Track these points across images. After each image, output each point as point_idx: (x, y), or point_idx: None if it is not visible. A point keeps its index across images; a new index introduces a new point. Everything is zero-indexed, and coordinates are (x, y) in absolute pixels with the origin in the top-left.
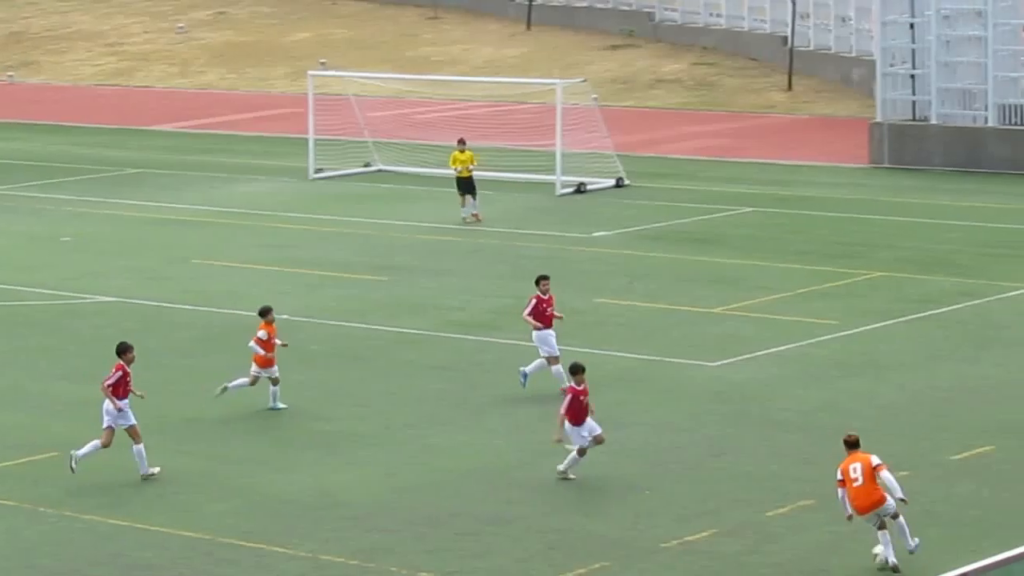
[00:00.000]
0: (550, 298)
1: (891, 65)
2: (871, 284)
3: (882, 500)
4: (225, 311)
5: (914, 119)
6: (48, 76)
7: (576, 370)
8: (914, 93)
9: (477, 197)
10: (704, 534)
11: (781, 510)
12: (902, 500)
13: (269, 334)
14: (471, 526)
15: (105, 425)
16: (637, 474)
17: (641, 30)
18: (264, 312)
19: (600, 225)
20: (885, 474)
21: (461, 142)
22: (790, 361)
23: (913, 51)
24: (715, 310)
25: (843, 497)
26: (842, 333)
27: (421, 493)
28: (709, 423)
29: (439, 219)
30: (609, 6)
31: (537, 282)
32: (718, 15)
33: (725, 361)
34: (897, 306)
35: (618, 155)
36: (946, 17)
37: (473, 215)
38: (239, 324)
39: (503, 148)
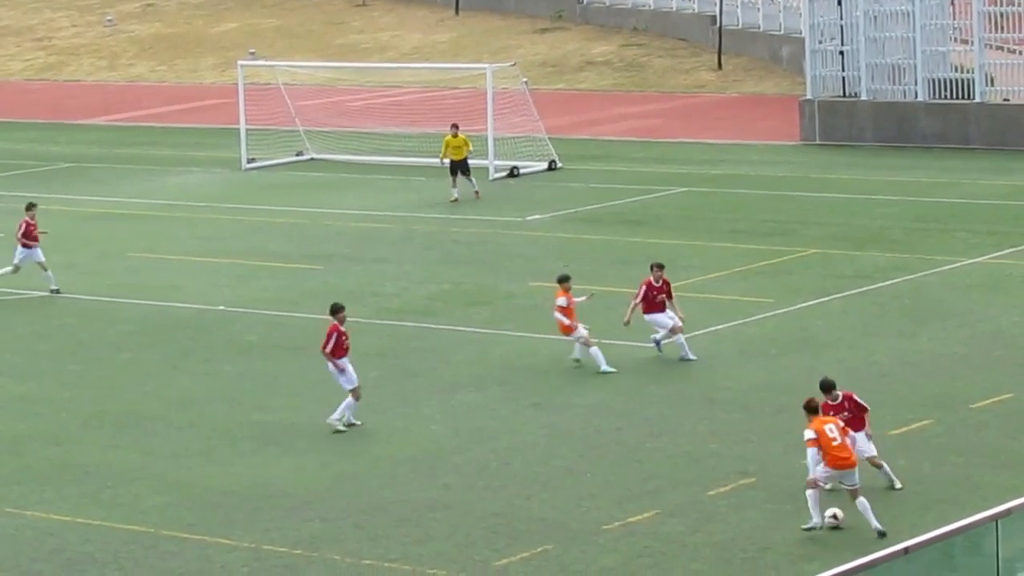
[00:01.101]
0: (662, 285)
1: (820, 42)
2: (805, 261)
3: (852, 459)
4: (162, 304)
5: (844, 95)
6: None
7: None
8: (843, 69)
9: (472, 177)
10: (646, 515)
11: (722, 489)
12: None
13: (569, 301)
14: (411, 513)
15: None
16: (576, 456)
17: (570, 13)
18: (563, 279)
19: (534, 209)
20: (856, 435)
21: (454, 127)
22: (727, 340)
23: (841, 27)
24: None
25: (814, 457)
26: (778, 311)
27: (359, 481)
28: (647, 404)
29: (372, 206)
30: None
31: (651, 268)
32: None
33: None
34: (832, 283)
35: (550, 138)
36: None
37: (475, 192)
38: (176, 316)
39: (434, 133)
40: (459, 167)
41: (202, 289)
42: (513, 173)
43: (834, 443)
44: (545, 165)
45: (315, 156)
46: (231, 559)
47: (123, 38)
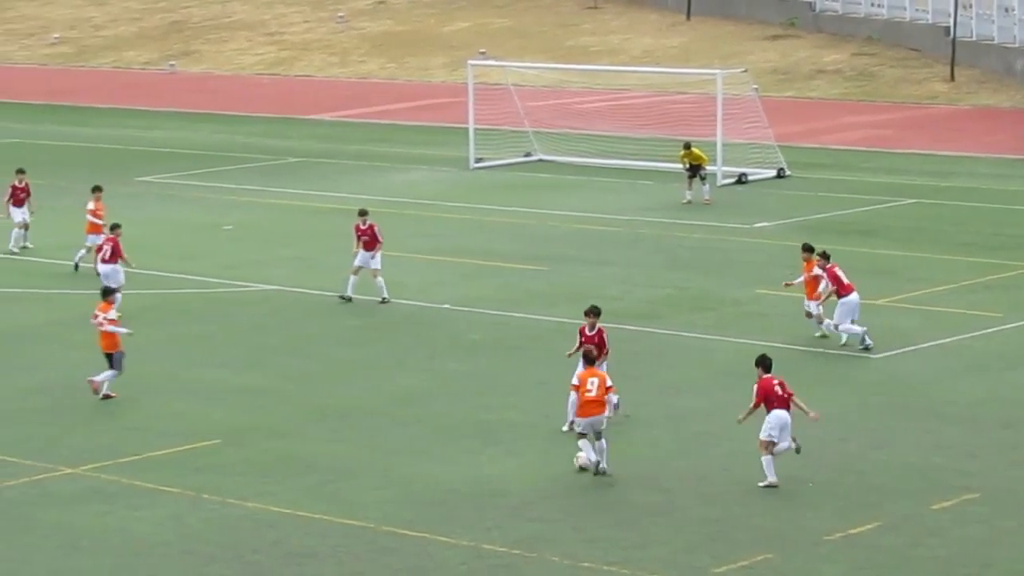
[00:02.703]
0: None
1: None
2: None
3: (602, 412)
4: (378, 301)
5: None
6: (209, 65)
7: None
8: None
9: (707, 184)
10: (867, 527)
11: (945, 503)
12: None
13: None
14: (630, 516)
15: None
16: (798, 465)
17: (802, 20)
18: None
19: (761, 215)
20: (613, 396)
21: (687, 147)
22: (953, 353)
23: None
24: (877, 302)
25: (573, 402)
26: (1006, 326)
27: (579, 482)
28: (871, 415)
29: (598, 208)
30: None
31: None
32: (879, 5)
33: (888, 353)
34: None
35: (779, 146)
36: None
37: (706, 200)
38: (400, 313)
39: (662, 138)
40: (697, 170)
41: (426, 286)
42: (741, 180)
43: (588, 394)
44: (773, 172)
45: (542, 157)
46: (449, 557)
47: (354, 35)
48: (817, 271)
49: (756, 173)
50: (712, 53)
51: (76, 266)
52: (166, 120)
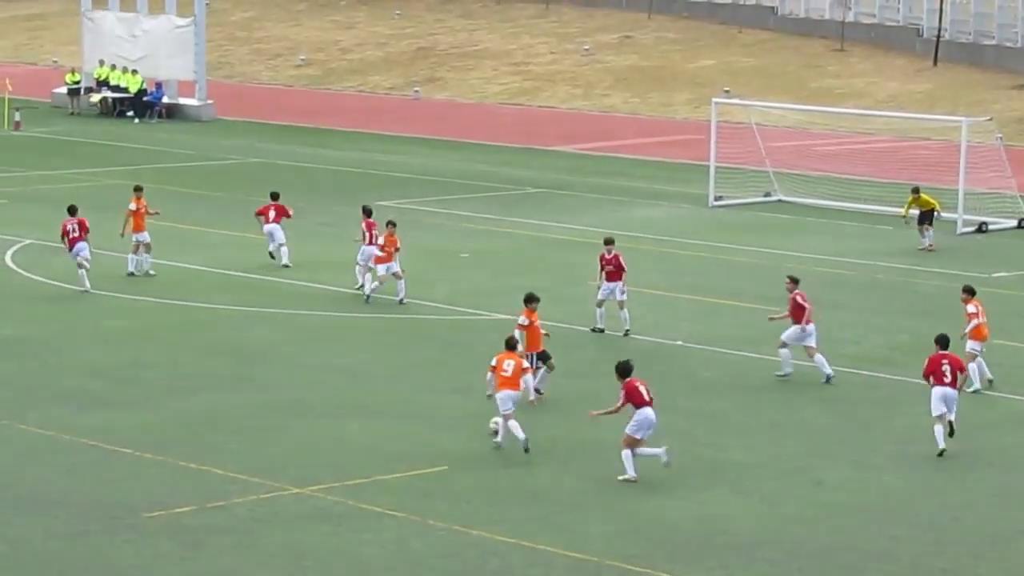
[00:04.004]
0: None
1: None
2: None
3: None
4: (622, 335)
5: None
6: (453, 93)
7: None
8: None
9: (931, 230)
10: None
11: None
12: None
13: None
14: (857, 562)
15: None
16: None
17: None
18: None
19: (1001, 265)
20: (528, 378)
21: (915, 191)
22: None
23: None
24: None
25: (491, 380)
26: None
27: (807, 526)
28: None
29: (836, 251)
30: (1019, 45)
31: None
32: None
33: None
34: None
35: (1021, 196)
36: None
37: (928, 246)
38: (634, 348)
39: (903, 184)
40: (927, 217)
41: (661, 322)
42: (981, 228)
43: (503, 374)
44: (1015, 223)
45: (782, 198)
46: None
47: (599, 68)
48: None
49: (996, 223)
50: (957, 100)
51: (131, 272)
52: (408, 146)
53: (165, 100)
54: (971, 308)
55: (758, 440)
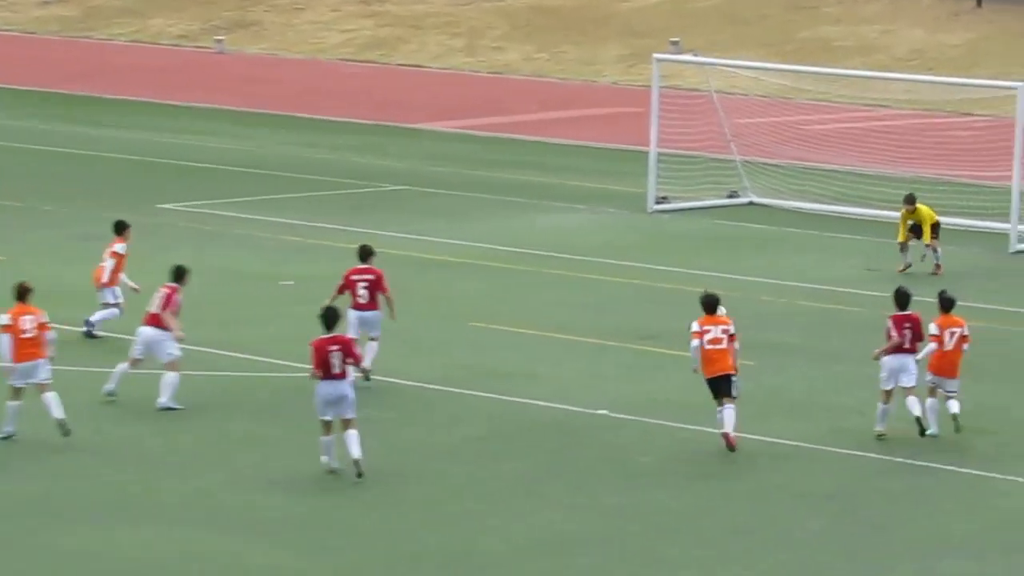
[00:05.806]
0: None
1: None
2: None
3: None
4: (517, 400)
5: None
6: (273, 45)
7: None
8: None
9: (938, 248)
10: None
11: None
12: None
13: None
14: None
15: None
16: None
17: None
18: None
19: None
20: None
21: (909, 200)
22: None
23: None
24: None
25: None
26: None
27: None
28: None
29: (832, 279)
30: None
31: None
32: None
33: None
34: None
35: None
36: None
37: (936, 266)
38: (535, 419)
39: (930, 179)
40: (921, 232)
41: (576, 381)
42: None
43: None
44: None
45: (754, 199)
46: None
47: (488, 8)
48: None
49: None
50: (1011, 57)
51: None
52: (206, 121)
53: None
54: (933, 329)
55: (722, 554)
